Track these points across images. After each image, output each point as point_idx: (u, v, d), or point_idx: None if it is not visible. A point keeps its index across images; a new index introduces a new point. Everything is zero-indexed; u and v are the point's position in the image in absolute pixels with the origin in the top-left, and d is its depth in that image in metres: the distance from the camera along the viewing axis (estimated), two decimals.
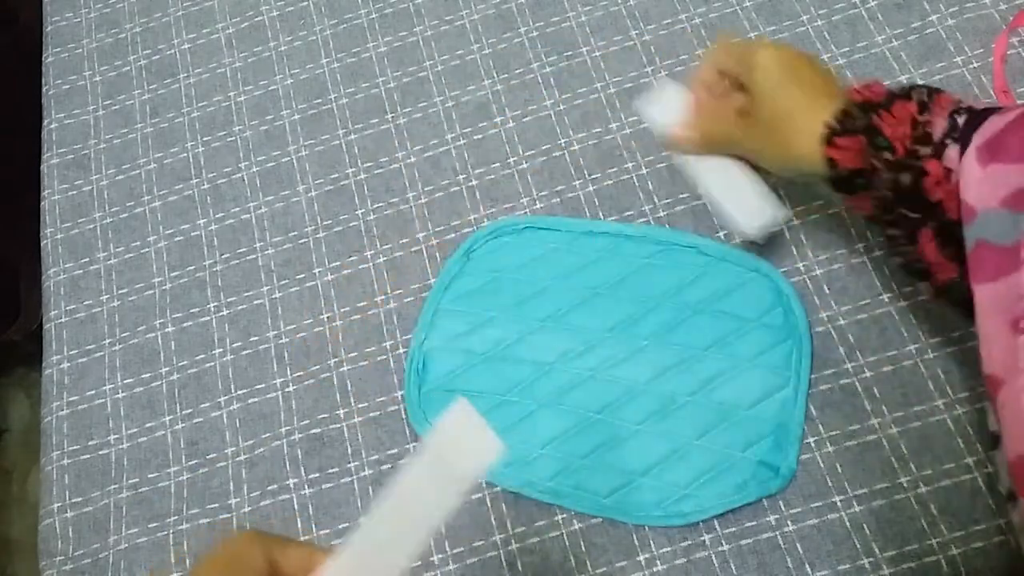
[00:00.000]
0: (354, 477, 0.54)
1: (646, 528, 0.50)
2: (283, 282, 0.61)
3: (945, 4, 0.60)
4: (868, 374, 0.52)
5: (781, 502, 0.50)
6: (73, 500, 0.57)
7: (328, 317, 0.59)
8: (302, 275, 0.61)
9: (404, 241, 0.60)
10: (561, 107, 0.62)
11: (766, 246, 0.56)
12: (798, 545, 0.49)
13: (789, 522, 0.49)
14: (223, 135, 0.66)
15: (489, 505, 0.52)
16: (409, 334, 0.57)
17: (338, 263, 0.60)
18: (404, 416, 0.55)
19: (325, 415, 0.56)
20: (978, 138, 0.38)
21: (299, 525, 0.54)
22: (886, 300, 0.53)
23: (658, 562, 0.50)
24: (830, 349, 0.52)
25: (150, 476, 0.57)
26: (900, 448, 0.50)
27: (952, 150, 0.39)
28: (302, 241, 0.62)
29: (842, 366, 0.52)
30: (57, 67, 0.72)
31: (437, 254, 0.59)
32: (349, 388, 0.57)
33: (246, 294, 0.61)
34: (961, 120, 0.40)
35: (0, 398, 1.38)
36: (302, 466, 0.55)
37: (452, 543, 0.52)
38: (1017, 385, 0.34)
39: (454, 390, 0.54)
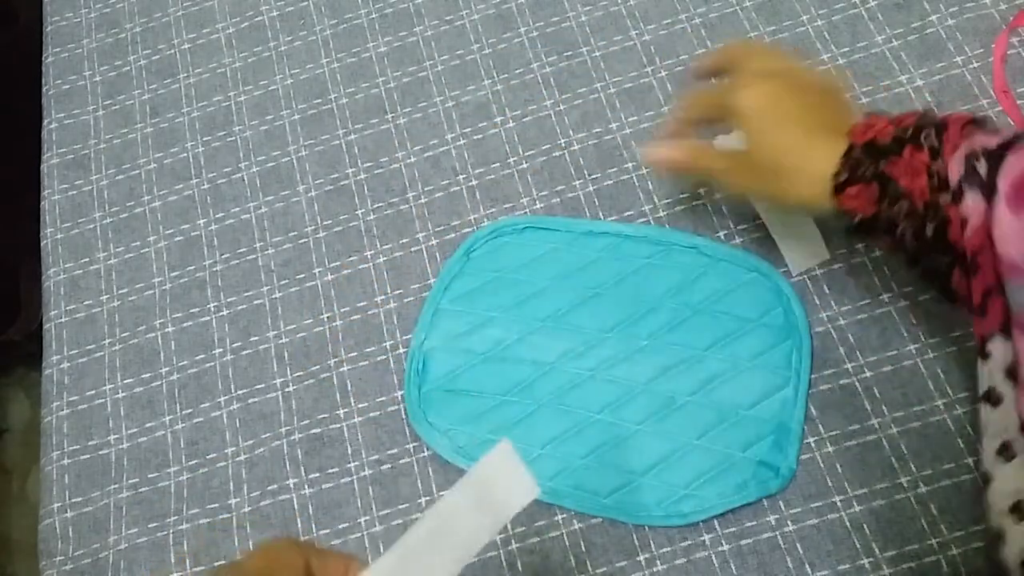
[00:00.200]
0: (354, 477, 0.54)
1: (646, 528, 0.50)
2: (283, 282, 0.61)
3: (945, 4, 0.60)
4: (868, 374, 0.52)
5: (781, 502, 0.50)
6: (73, 500, 0.57)
7: (328, 317, 0.59)
8: (302, 275, 0.61)
9: (404, 241, 0.60)
10: (561, 107, 0.62)
11: (766, 246, 0.56)
12: (798, 545, 0.49)
13: (789, 522, 0.49)
14: (223, 135, 0.66)
15: None
16: (409, 334, 0.57)
17: (338, 263, 0.60)
18: (404, 416, 0.55)
19: (325, 415, 0.56)
20: (1004, 183, 0.36)
21: (299, 525, 0.54)
22: (886, 300, 0.53)
23: (658, 562, 0.50)
24: (830, 349, 0.53)
25: (150, 476, 0.57)
26: (900, 448, 0.50)
27: (970, 198, 0.37)
28: (302, 241, 0.62)
29: (842, 366, 0.52)
30: (57, 67, 0.72)
31: (437, 254, 0.59)
32: (349, 388, 0.57)
33: (246, 294, 0.61)
34: (982, 167, 0.37)
35: (0, 398, 1.38)
36: (302, 466, 0.55)
37: None
38: None
39: (454, 390, 0.54)
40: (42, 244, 0.66)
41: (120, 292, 0.62)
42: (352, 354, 0.58)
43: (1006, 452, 0.36)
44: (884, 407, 0.51)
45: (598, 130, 0.61)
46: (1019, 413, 0.35)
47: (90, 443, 0.58)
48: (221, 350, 0.59)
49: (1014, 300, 0.35)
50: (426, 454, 0.54)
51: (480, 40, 0.66)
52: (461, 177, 0.62)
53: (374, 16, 0.69)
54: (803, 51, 0.61)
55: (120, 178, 0.66)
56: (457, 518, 0.35)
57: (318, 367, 0.58)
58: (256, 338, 0.59)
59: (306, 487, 0.55)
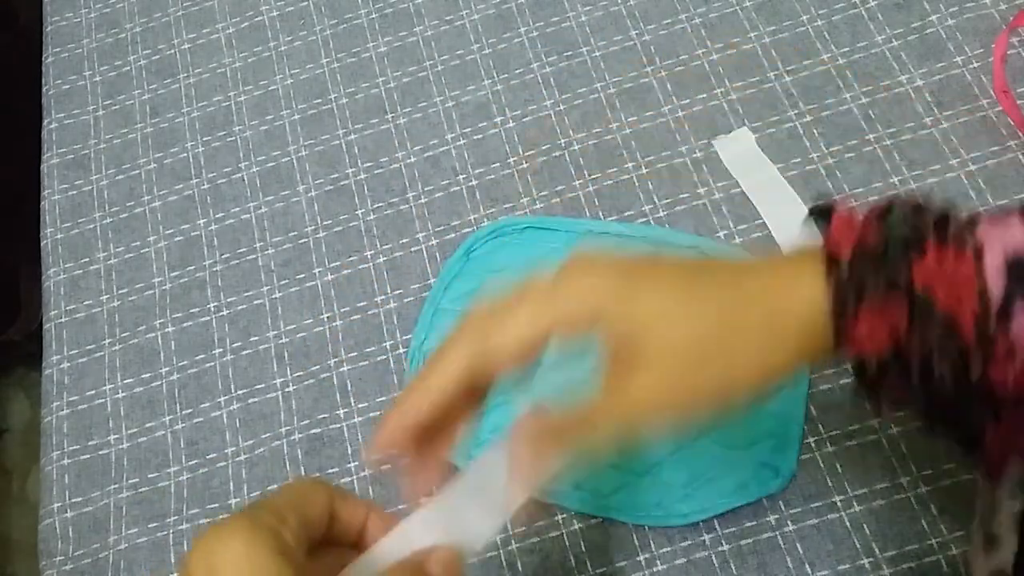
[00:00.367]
0: (354, 477, 0.54)
1: (646, 528, 0.50)
2: (283, 282, 0.61)
3: (945, 4, 0.60)
4: None
5: (781, 502, 0.50)
6: (73, 500, 0.57)
7: (328, 317, 0.59)
8: (302, 275, 0.61)
9: (404, 241, 0.60)
10: (561, 107, 0.62)
11: (766, 246, 0.56)
12: (798, 545, 0.49)
13: (789, 522, 0.49)
14: (223, 135, 0.66)
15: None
16: (409, 334, 0.57)
17: (338, 263, 0.60)
18: None
19: (325, 415, 0.56)
20: None
21: None
22: None
23: (658, 562, 0.50)
24: None
25: (150, 476, 0.57)
26: (900, 448, 0.50)
27: (1022, 317, 0.26)
28: (302, 241, 0.62)
29: (842, 366, 0.52)
30: (57, 67, 0.72)
31: (437, 254, 0.59)
32: (349, 388, 0.57)
33: (246, 294, 0.61)
34: None
35: (0, 398, 1.38)
36: (302, 466, 0.55)
37: None
38: None
39: None
40: (42, 244, 0.66)
41: (120, 292, 0.62)
42: (352, 354, 0.58)
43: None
44: None
45: (598, 130, 0.61)
46: None
47: (90, 443, 0.58)
48: (221, 350, 0.59)
49: None
50: None
51: (480, 40, 0.66)
52: (461, 177, 0.62)
53: (374, 16, 0.69)
54: (803, 51, 0.61)
55: (120, 178, 0.66)
56: (496, 476, 0.33)
57: (318, 367, 0.58)
58: (256, 338, 0.59)
59: None
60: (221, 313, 0.60)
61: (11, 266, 1.24)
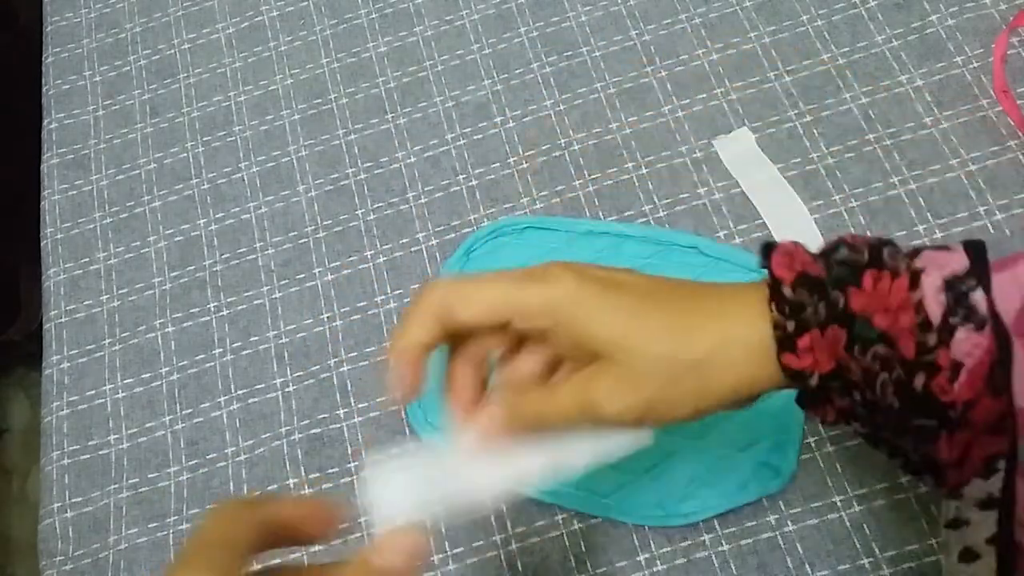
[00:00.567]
0: (354, 477, 0.54)
1: (646, 528, 0.50)
2: (283, 282, 0.61)
3: (945, 4, 0.60)
4: None
5: (781, 502, 0.50)
6: (73, 500, 0.57)
7: (328, 317, 0.59)
8: (302, 275, 0.61)
9: (404, 241, 0.60)
10: (561, 107, 0.62)
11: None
12: (798, 545, 0.49)
13: (789, 522, 0.49)
14: (223, 135, 0.66)
15: (489, 505, 0.52)
16: None
17: (338, 263, 0.60)
18: (404, 416, 0.55)
19: (325, 415, 0.56)
20: (1008, 313, 0.28)
21: None
22: None
23: (658, 562, 0.50)
24: None
25: (150, 476, 0.57)
26: None
27: (963, 336, 0.28)
28: (302, 241, 0.62)
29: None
30: (57, 67, 0.72)
31: (437, 254, 0.59)
32: (349, 388, 0.57)
33: (246, 294, 0.61)
34: (976, 295, 0.28)
35: (0, 398, 1.38)
36: (302, 466, 0.55)
37: (452, 543, 0.52)
38: None
39: None
40: (42, 244, 0.66)
41: (120, 292, 0.62)
42: (352, 354, 0.58)
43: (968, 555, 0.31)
44: None
45: (598, 130, 0.61)
46: None
47: (90, 443, 0.58)
48: (221, 350, 0.59)
49: None
50: None
51: (480, 40, 0.66)
52: (461, 177, 0.62)
53: (374, 16, 0.69)
54: (803, 51, 0.61)
55: (120, 178, 0.66)
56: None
57: (318, 367, 0.58)
58: (256, 338, 0.59)
59: (306, 487, 0.55)
60: (221, 313, 0.60)
61: (11, 266, 1.24)
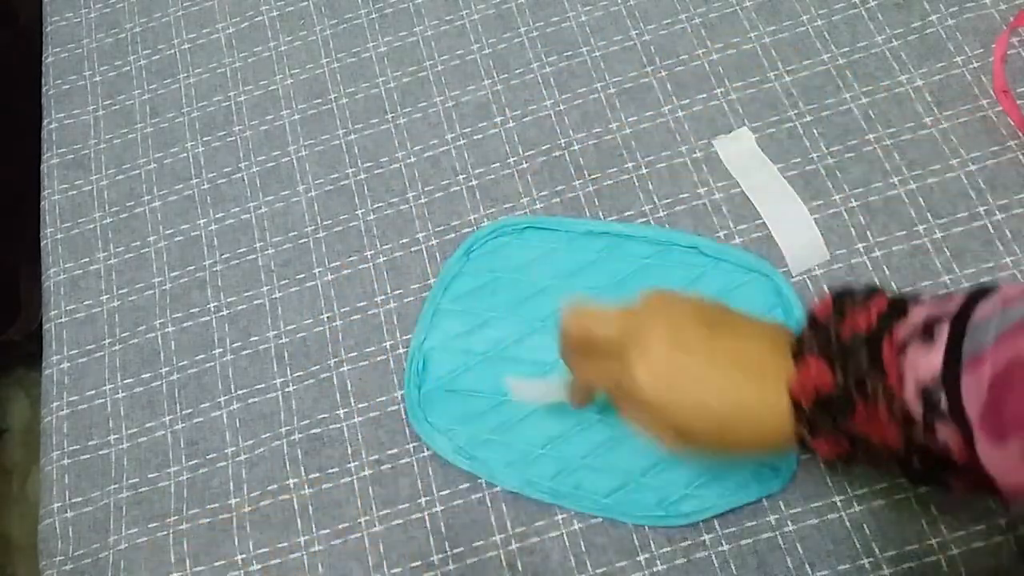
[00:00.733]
0: (354, 477, 0.54)
1: (646, 528, 0.50)
2: (283, 282, 0.61)
3: (945, 4, 0.60)
4: None
5: (781, 502, 0.50)
6: (73, 500, 0.57)
7: (328, 317, 0.59)
8: (302, 275, 0.61)
9: (404, 241, 0.60)
10: (561, 107, 0.62)
11: (766, 246, 0.56)
12: (798, 545, 0.49)
13: (789, 522, 0.49)
14: (223, 135, 0.66)
15: (489, 505, 0.52)
16: (409, 334, 0.57)
17: (338, 263, 0.60)
18: (404, 416, 0.55)
19: (325, 415, 0.56)
20: (972, 413, 0.31)
21: (299, 525, 0.54)
22: None
23: (658, 562, 0.50)
24: None
25: (150, 476, 0.57)
26: None
27: (941, 431, 0.33)
28: (302, 241, 0.62)
29: None
30: (57, 67, 0.72)
31: (437, 254, 0.59)
32: (349, 388, 0.57)
33: (246, 294, 0.61)
34: (942, 401, 0.32)
35: (0, 398, 1.38)
36: (302, 466, 0.55)
37: (452, 543, 0.52)
38: None
39: (454, 390, 0.54)
40: (42, 244, 0.66)
41: (120, 292, 0.62)
42: (352, 354, 0.58)
43: None
44: None
45: (598, 130, 0.61)
46: None
47: (90, 443, 0.58)
48: (221, 350, 0.59)
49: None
50: (426, 454, 0.54)
51: (480, 40, 0.66)
52: (461, 177, 0.62)
53: (374, 16, 0.69)
54: (803, 51, 0.61)
55: (120, 178, 0.66)
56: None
57: (318, 367, 0.58)
58: (256, 338, 0.59)
59: (306, 487, 0.55)
60: (221, 313, 0.60)
61: (11, 266, 1.24)
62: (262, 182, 0.64)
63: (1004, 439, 0.30)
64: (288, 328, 0.59)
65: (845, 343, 0.36)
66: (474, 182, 0.61)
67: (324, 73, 0.67)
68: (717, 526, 0.50)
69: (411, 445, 0.54)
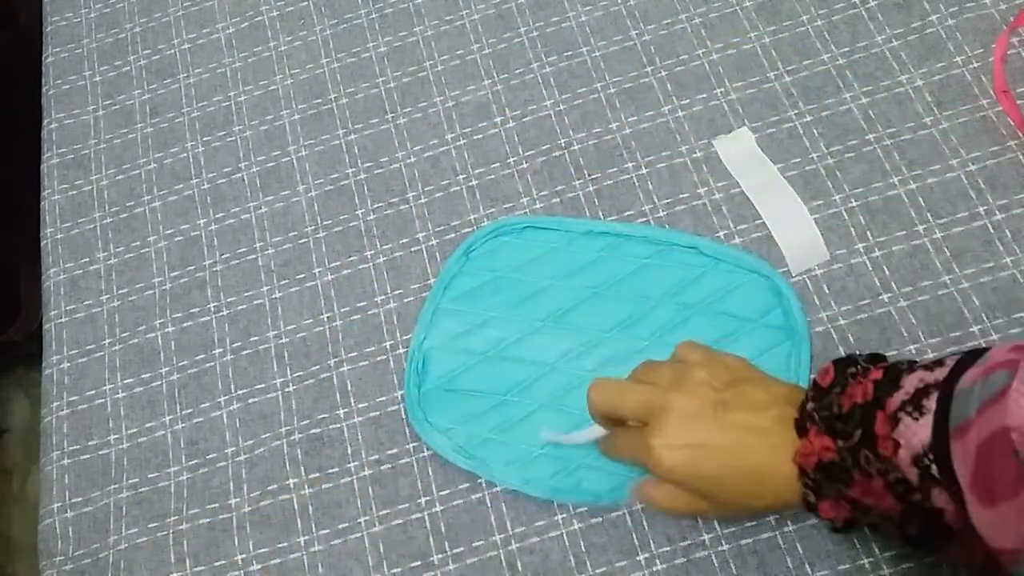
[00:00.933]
0: (354, 477, 0.54)
1: (646, 528, 0.50)
2: (283, 282, 0.61)
3: (945, 4, 0.60)
4: None
5: None
6: (73, 500, 0.57)
7: (328, 317, 0.59)
8: (302, 275, 0.61)
9: (404, 241, 0.60)
10: (561, 107, 0.62)
11: (766, 246, 0.56)
12: (798, 545, 0.49)
13: (789, 522, 0.49)
14: (223, 135, 0.66)
15: (489, 505, 0.52)
16: (409, 334, 0.57)
17: (338, 263, 0.60)
18: (404, 416, 0.55)
19: (325, 415, 0.56)
20: (964, 479, 0.33)
21: (299, 525, 0.54)
22: (886, 300, 0.53)
23: (658, 562, 0.50)
24: (830, 349, 0.52)
25: (150, 476, 0.57)
26: None
27: (936, 496, 0.35)
28: (302, 241, 0.62)
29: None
30: (57, 67, 0.72)
31: (437, 254, 0.59)
32: (349, 388, 0.57)
33: (246, 294, 0.61)
34: (934, 468, 0.35)
35: (0, 398, 1.38)
36: (302, 466, 0.55)
37: (452, 543, 0.52)
38: None
39: (454, 390, 0.54)
40: (42, 244, 0.66)
41: (120, 292, 0.62)
42: (352, 354, 0.58)
43: None
44: None
45: (598, 130, 0.61)
46: None
47: (90, 443, 0.58)
48: (221, 350, 0.59)
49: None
50: (426, 454, 0.54)
51: (480, 40, 0.66)
52: (461, 177, 0.62)
53: (374, 16, 0.69)
54: (803, 51, 0.61)
55: (120, 178, 0.66)
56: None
57: (318, 367, 0.58)
58: (256, 338, 0.59)
59: (306, 487, 0.55)
60: (221, 313, 0.60)
61: (11, 266, 1.24)
62: (262, 182, 0.64)
63: (994, 504, 0.32)
64: (288, 328, 0.59)
65: (844, 415, 0.39)
66: (474, 182, 0.61)
67: (324, 73, 0.67)
68: (717, 526, 0.50)
69: (411, 445, 0.54)
